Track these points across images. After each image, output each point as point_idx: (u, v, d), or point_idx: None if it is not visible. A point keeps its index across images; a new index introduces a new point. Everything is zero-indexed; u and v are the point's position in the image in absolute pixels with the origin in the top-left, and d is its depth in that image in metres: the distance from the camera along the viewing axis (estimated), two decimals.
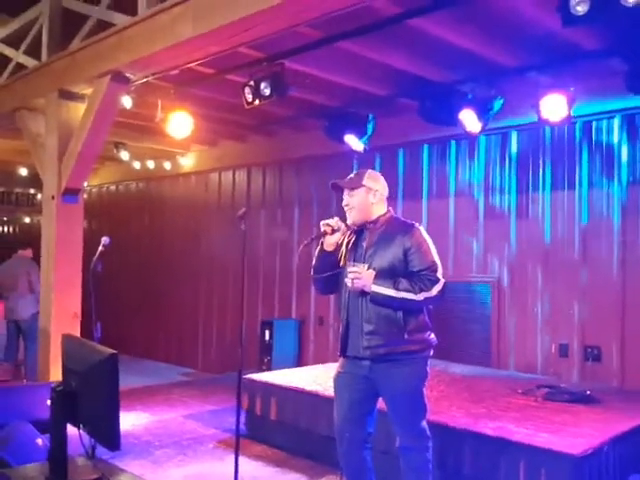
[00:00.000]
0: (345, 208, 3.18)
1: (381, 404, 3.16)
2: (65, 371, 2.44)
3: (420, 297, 2.95)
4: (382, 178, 3.26)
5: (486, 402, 4.43)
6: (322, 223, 3.13)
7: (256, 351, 7.23)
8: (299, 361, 7.38)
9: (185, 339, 9.06)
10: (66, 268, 5.68)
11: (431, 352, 3.13)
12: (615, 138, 5.43)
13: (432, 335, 3.13)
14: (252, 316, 7.66)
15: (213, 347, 8.64)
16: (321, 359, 6.64)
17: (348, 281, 3.01)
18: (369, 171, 3.26)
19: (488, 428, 3.77)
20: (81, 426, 2.25)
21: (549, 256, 5.76)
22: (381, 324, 3.00)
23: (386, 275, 2.98)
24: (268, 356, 7.16)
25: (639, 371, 5.10)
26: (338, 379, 3.19)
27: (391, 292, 2.94)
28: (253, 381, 5.02)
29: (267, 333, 7.24)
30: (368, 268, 3.00)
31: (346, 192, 3.18)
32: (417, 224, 3.16)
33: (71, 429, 2.25)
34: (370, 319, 3.01)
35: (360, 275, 2.98)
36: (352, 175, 3.26)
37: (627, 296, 5.27)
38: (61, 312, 5.61)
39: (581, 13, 3.24)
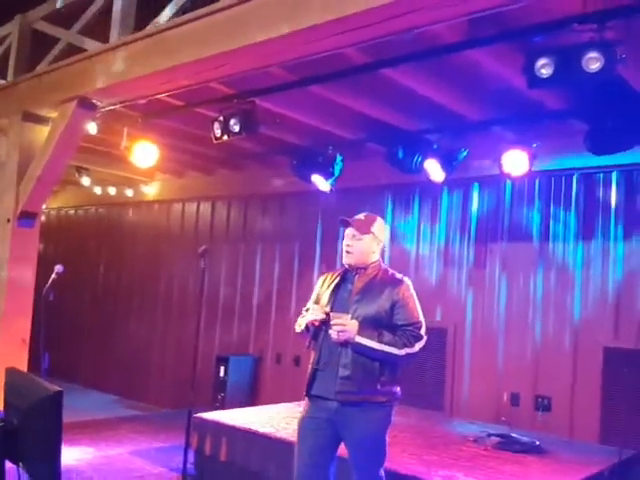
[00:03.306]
0: (345, 247, 3.16)
1: (342, 450, 3.11)
2: (7, 406, 2.33)
3: (402, 352, 2.96)
4: (387, 229, 3.25)
5: (438, 449, 4.44)
6: (309, 320, 3.06)
7: (210, 387, 7.08)
8: (254, 399, 7.24)
9: (137, 371, 8.78)
10: (17, 294, 5.50)
11: (396, 404, 3.12)
12: (573, 194, 5.60)
13: (399, 389, 3.12)
14: (208, 350, 7.51)
15: (167, 381, 8.39)
16: (277, 398, 6.52)
17: (333, 333, 2.96)
18: (379, 219, 3.27)
19: (438, 476, 3.76)
20: (20, 464, 2.16)
21: (504, 306, 5.84)
22: (357, 371, 2.97)
23: (370, 324, 2.97)
24: (222, 393, 7.00)
25: (587, 422, 5.17)
26: (302, 423, 3.12)
27: (374, 344, 2.93)
28: (204, 420, 4.89)
29: (222, 369, 7.09)
30: (352, 314, 2.98)
31: (352, 233, 3.16)
32: (406, 279, 3.16)
33: (10, 464, 2.16)
34: (347, 365, 2.98)
35: (345, 328, 2.94)
36: (362, 216, 3.24)
37: (578, 347, 5.36)
38: (9, 339, 5.39)
39: (545, 76, 3.37)
